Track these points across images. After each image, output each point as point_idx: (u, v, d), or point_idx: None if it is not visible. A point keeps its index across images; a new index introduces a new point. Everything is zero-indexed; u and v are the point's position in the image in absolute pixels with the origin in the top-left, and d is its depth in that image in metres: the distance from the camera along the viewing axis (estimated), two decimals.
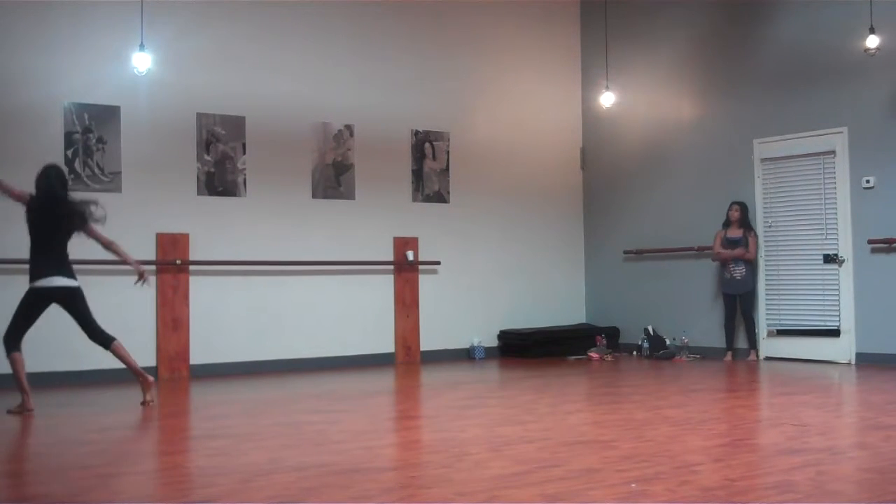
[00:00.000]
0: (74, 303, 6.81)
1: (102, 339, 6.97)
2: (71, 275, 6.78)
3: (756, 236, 9.87)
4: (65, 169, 7.14)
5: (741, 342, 10.05)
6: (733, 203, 9.94)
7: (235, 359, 9.28)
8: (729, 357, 9.91)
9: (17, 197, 6.70)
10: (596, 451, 4.90)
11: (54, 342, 8.46)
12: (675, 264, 10.81)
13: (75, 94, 8.69)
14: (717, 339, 10.24)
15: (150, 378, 7.07)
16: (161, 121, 9.07)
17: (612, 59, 11.06)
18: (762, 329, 9.95)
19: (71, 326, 8.53)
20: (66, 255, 6.78)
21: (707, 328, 10.43)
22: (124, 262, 7.19)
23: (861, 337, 9.20)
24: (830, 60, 9.43)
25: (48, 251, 6.69)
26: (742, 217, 9.87)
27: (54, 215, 6.68)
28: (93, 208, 6.79)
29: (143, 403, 6.93)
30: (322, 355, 9.73)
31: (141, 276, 7.09)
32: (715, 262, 10.12)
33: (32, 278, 6.74)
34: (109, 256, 8.66)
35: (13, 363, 6.62)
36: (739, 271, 9.84)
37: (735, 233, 9.89)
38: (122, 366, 8.81)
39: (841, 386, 7.99)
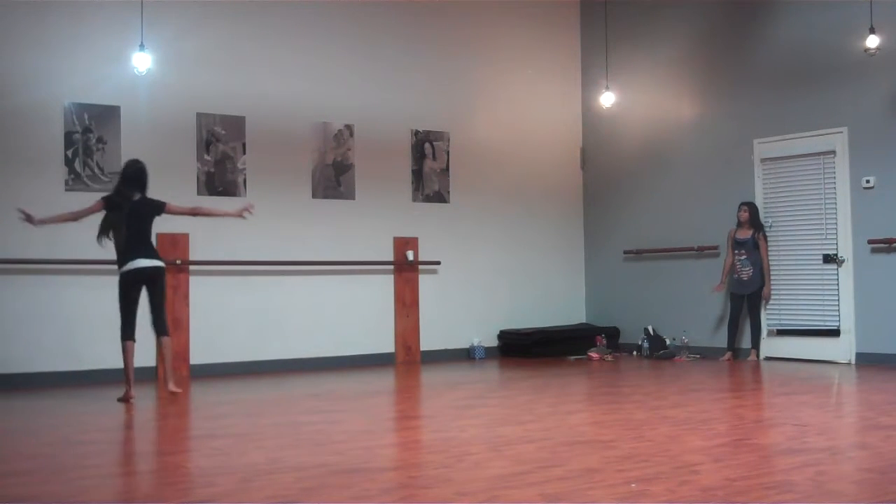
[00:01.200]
0: (157, 283, 7.31)
1: (161, 328, 7.42)
2: (154, 256, 7.31)
3: (766, 237, 9.86)
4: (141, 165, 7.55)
5: (743, 343, 10.04)
6: (742, 204, 9.92)
7: (235, 359, 9.28)
8: (727, 357, 9.90)
9: (96, 210, 7.31)
10: (596, 451, 4.90)
11: (54, 342, 8.48)
12: (675, 264, 10.81)
13: (75, 94, 8.69)
14: (717, 339, 10.24)
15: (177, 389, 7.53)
16: (161, 121, 9.08)
17: (612, 59, 11.06)
18: (762, 329, 9.95)
19: (71, 326, 8.56)
20: (149, 241, 7.38)
21: (707, 328, 10.43)
22: (225, 216, 7.83)
23: (861, 337, 9.20)
24: (830, 60, 9.43)
25: (131, 240, 7.22)
26: (751, 218, 9.87)
27: (130, 209, 7.23)
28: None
29: (173, 393, 7.40)
30: (322, 355, 9.73)
31: (244, 211, 7.60)
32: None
33: (119, 265, 7.28)
34: (110, 257, 8.70)
35: (123, 351, 7.23)
36: (747, 272, 9.84)
37: (744, 234, 9.89)
38: (121, 366, 8.83)
39: (841, 386, 7.99)
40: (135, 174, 7.37)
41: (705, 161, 10.61)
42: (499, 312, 11.11)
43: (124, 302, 7.28)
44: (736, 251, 9.92)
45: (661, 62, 11.11)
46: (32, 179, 8.45)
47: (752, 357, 9.84)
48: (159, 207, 7.42)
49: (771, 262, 9.90)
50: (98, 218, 7.33)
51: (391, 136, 10.45)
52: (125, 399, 7.17)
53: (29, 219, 7.20)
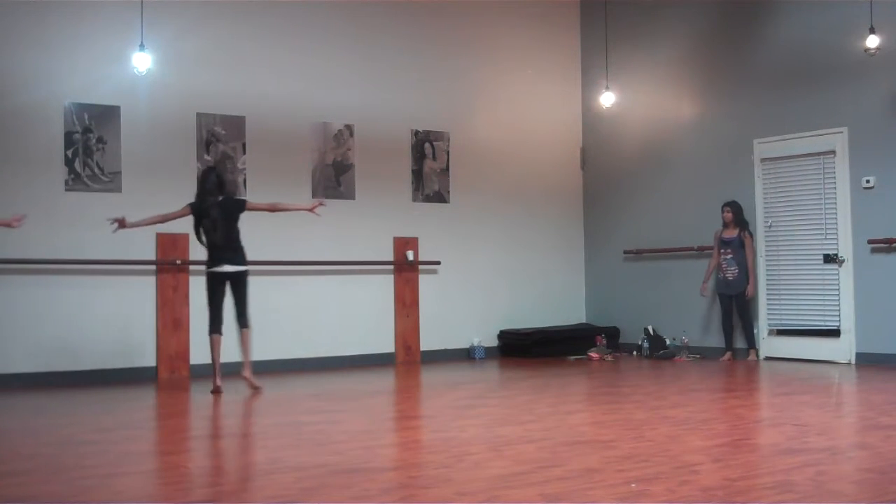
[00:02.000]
0: (240, 284, 7.79)
1: (243, 321, 7.83)
2: (239, 261, 7.77)
3: (751, 236, 9.87)
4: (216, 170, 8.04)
5: (741, 342, 10.05)
6: (724, 205, 9.95)
7: (235, 359, 9.25)
8: (727, 357, 9.90)
9: (183, 214, 7.80)
10: (596, 451, 4.90)
11: (54, 342, 8.48)
12: (675, 264, 10.81)
13: (75, 94, 8.69)
14: (717, 339, 10.24)
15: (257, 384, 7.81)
16: (161, 121, 9.08)
17: (612, 59, 11.06)
18: (763, 329, 9.95)
19: (71, 326, 8.56)
20: (238, 242, 7.79)
21: (707, 328, 10.43)
22: (299, 210, 8.24)
23: (861, 337, 9.20)
24: (830, 60, 9.43)
25: (222, 242, 7.70)
26: (735, 217, 9.88)
27: (211, 215, 7.69)
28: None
29: (255, 388, 7.74)
30: (322, 355, 9.73)
31: (316, 207, 8.06)
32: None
33: (207, 265, 7.82)
34: (110, 257, 8.71)
35: (210, 343, 7.75)
36: (732, 272, 9.86)
37: (730, 233, 9.90)
38: (122, 366, 8.86)
39: (841, 386, 7.99)
40: (214, 181, 7.80)
41: (705, 161, 10.61)
42: (499, 312, 11.10)
43: (211, 299, 7.81)
44: (722, 251, 9.94)
45: (661, 62, 11.11)
46: (32, 179, 8.45)
47: (752, 357, 9.85)
48: (241, 205, 7.88)
49: (771, 262, 9.91)
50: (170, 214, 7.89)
51: (391, 136, 10.45)
52: (214, 391, 7.58)
53: (121, 223, 7.62)
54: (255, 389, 7.72)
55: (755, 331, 9.93)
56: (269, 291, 9.55)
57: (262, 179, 9.57)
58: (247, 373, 7.82)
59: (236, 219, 7.82)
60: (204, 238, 7.77)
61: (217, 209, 7.71)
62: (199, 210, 7.75)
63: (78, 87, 8.71)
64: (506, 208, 11.24)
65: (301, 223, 9.78)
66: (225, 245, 7.73)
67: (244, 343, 7.86)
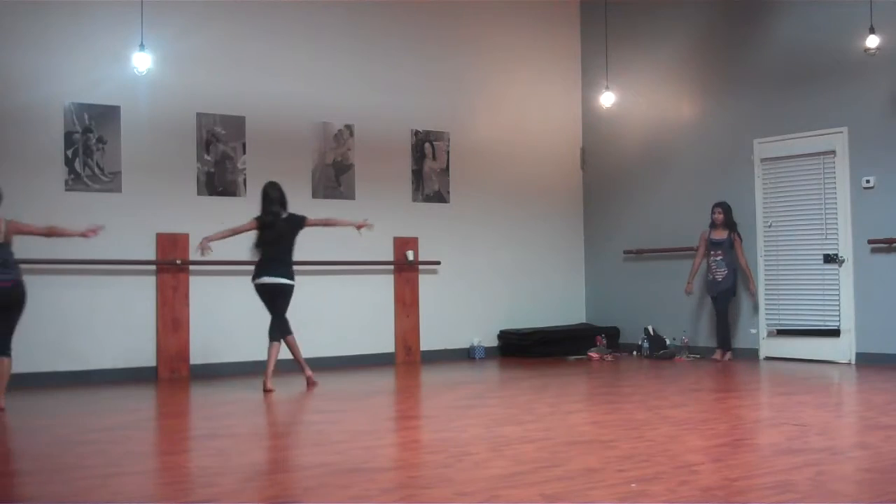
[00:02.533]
0: (278, 296, 8.02)
1: (275, 335, 8.02)
2: (282, 274, 7.98)
3: (740, 237, 9.89)
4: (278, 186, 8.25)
5: (738, 342, 10.05)
6: (715, 205, 9.96)
7: (235, 359, 9.28)
8: (727, 356, 9.88)
9: (250, 228, 8.07)
10: (596, 451, 4.90)
11: (54, 342, 8.48)
12: (675, 264, 10.80)
13: (75, 94, 8.69)
14: (716, 339, 10.24)
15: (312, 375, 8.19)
16: (161, 121, 9.07)
17: (612, 59, 11.05)
18: (762, 329, 9.95)
19: (71, 326, 8.56)
20: (286, 257, 8.05)
21: (707, 328, 10.43)
22: (349, 225, 8.46)
23: (861, 337, 9.19)
24: (830, 60, 9.43)
25: (271, 256, 7.98)
26: (726, 218, 9.90)
27: (276, 228, 7.99)
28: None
29: (311, 384, 8.09)
30: (322, 355, 9.72)
31: (363, 227, 8.33)
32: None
33: (252, 278, 8.08)
34: (110, 257, 8.72)
35: (269, 349, 7.99)
36: (721, 272, 9.88)
37: (720, 234, 9.93)
38: (122, 366, 8.86)
39: (841, 386, 7.99)
40: (278, 196, 8.10)
41: (705, 161, 10.61)
42: (499, 312, 11.10)
43: (268, 309, 8.09)
44: (712, 252, 9.96)
45: (661, 62, 11.11)
46: (32, 179, 8.45)
47: (718, 356, 9.86)
48: (302, 222, 8.14)
49: (771, 262, 9.92)
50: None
51: (391, 136, 10.45)
52: (265, 390, 7.76)
53: (205, 247, 7.96)
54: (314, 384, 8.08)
55: (731, 331, 9.99)
56: None
57: (262, 179, 9.48)
58: (308, 371, 8.18)
59: (294, 237, 8.12)
60: (259, 251, 8.04)
61: (284, 224, 8.03)
62: (264, 224, 8.01)
63: (78, 87, 8.71)
64: (506, 208, 11.23)
65: None
66: (275, 258, 7.98)
67: (292, 350, 8.12)
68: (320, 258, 9.83)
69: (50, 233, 7.18)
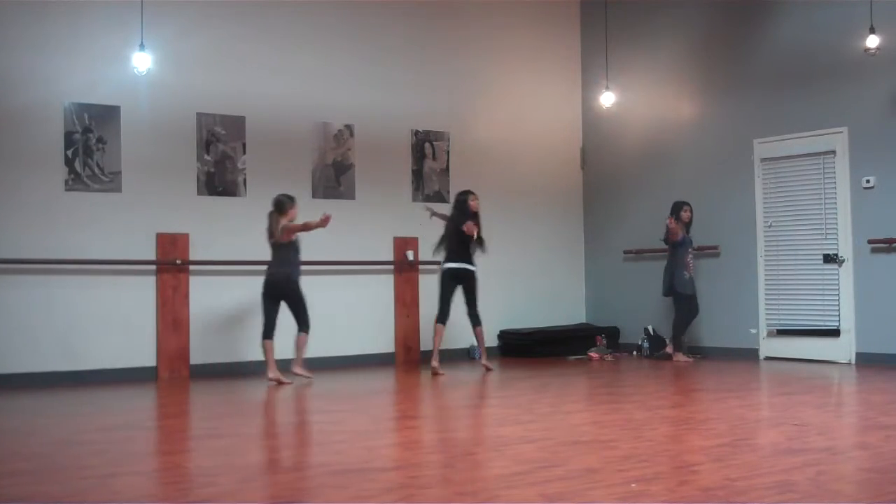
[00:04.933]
0: (468, 283, 9.13)
1: (475, 320, 9.23)
2: (470, 262, 9.10)
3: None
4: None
5: (738, 342, 10.05)
6: (685, 204, 10.13)
7: (235, 359, 9.28)
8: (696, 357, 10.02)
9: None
10: (596, 451, 4.90)
11: (54, 342, 8.48)
12: None
13: (75, 94, 8.69)
14: (717, 339, 10.25)
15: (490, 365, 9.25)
16: (161, 121, 9.07)
17: (612, 59, 11.05)
18: (762, 329, 9.96)
19: (71, 326, 8.56)
20: (463, 247, 9.09)
21: (707, 328, 10.43)
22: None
23: (861, 337, 9.19)
24: (830, 60, 9.43)
25: (453, 245, 9.13)
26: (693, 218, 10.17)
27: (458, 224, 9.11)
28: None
29: (488, 369, 9.21)
30: (322, 355, 9.72)
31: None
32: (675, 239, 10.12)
33: (443, 262, 9.17)
34: (110, 257, 8.72)
35: (434, 332, 9.12)
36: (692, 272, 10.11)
37: (685, 234, 10.10)
38: (122, 366, 8.87)
39: (841, 386, 7.99)
40: (461, 201, 9.28)
41: (705, 161, 10.61)
42: (499, 312, 11.09)
43: (442, 293, 9.14)
44: (691, 250, 10.06)
45: (661, 62, 11.11)
46: (32, 179, 8.45)
47: (669, 349, 10.06)
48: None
49: (771, 262, 9.94)
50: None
51: (391, 136, 10.45)
52: (433, 373, 8.81)
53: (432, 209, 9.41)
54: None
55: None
56: None
57: (262, 179, 9.56)
58: (485, 361, 9.37)
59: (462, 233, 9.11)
60: (444, 246, 9.25)
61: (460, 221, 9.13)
62: (451, 218, 9.30)
63: (78, 87, 8.71)
64: (506, 208, 11.22)
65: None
66: (456, 248, 9.09)
67: (478, 338, 9.35)
68: (320, 258, 9.83)
69: (305, 228, 8.27)
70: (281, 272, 8.31)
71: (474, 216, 9.13)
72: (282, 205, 8.40)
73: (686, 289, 10.02)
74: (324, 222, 8.15)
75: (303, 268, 8.58)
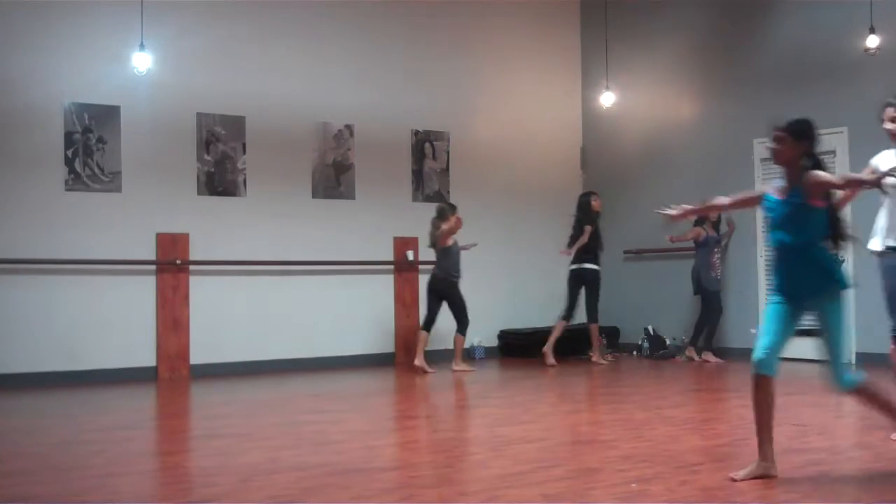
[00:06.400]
0: (590, 284, 9.88)
1: (591, 318, 9.92)
2: (589, 261, 9.87)
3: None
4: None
5: (739, 342, 10.04)
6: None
7: (235, 359, 9.27)
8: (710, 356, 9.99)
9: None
10: (596, 451, 4.90)
11: (54, 342, 8.48)
12: (675, 264, 10.79)
13: (75, 94, 8.69)
14: (717, 339, 10.23)
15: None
16: (161, 121, 9.07)
17: (612, 59, 11.05)
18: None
19: (71, 326, 8.56)
20: (589, 246, 9.89)
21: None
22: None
23: (861, 337, 9.19)
24: (830, 60, 9.43)
25: (584, 246, 9.86)
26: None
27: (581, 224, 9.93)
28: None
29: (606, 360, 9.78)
30: (322, 355, 9.72)
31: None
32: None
33: (571, 263, 9.94)
34: (110, 257, 8.72)
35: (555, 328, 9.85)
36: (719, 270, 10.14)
37: (712, 232, 10.12)
38: (122, 366, 8.86)
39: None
40: (583, 203, 10.05)
41: (705, 161, 10.60)
42: (499, 312, 11.09)
43: (569, 293, 9.95)
44: (716, 249, 10.04)
45: (661, 62, 11.10)
46: (32, 179, 8.45)
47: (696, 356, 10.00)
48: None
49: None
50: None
51: (391, 136, 10.44)
52: (547, 365, 9.56)
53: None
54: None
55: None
56: (270, 291, 9.56)
57: (262, 179, 9.57)
58: (597, 358, 9.84)
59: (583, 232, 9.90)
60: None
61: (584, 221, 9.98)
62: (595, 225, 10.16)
63: (78, 87, 8.71)
64: (506, 208, 11.23)
65: (301, 223, 9.80)
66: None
67: (592, 336, 10.00)
68: (320, 258, 9.84)
69: (450, 231, 9.26)
70: (439, 274, 9.31)
71: (596, 216, 9.79)
72: (443, 211, 9.31)
73: (712, 285, 10.05)
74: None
75: (461, 270, 9.44)
